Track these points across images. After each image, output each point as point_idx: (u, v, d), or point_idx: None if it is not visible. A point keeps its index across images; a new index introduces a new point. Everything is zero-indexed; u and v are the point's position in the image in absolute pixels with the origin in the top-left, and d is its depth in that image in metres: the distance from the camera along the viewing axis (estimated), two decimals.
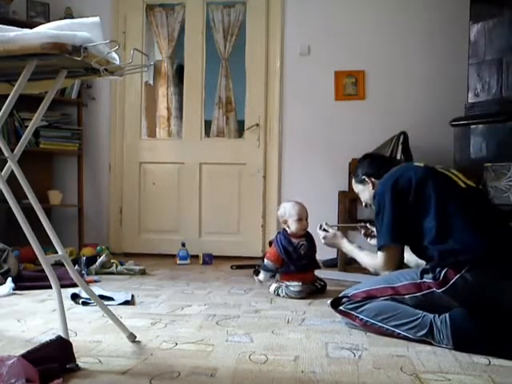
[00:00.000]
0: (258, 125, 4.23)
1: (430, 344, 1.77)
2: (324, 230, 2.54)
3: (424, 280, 1.83)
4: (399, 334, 1.84)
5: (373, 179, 2.24)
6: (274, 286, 2.73)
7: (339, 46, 4.12)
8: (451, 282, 1.76)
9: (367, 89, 4.10)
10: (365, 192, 2.31)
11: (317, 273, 2.94)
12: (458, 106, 3.54)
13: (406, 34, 4.04)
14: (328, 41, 4.13)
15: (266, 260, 2.78)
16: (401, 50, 4.06)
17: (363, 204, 2.41)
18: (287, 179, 4.20)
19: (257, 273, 3.29)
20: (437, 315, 1.79)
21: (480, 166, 3.23)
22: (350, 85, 4.11)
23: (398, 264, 2.05)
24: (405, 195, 1.96)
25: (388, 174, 2.10)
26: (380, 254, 2.05)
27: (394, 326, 1.86)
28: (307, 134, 4.17)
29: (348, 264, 3.57)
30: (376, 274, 2.19)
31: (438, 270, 1.79)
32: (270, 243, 2.83)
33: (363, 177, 2.28)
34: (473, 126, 3.36)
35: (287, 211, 2.76)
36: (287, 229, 2.76)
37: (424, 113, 3.98)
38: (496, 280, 1.76)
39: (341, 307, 2.02)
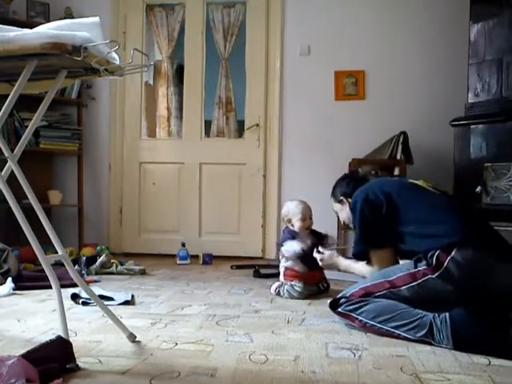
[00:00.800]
0: (258, 125, 4.23)
1: (430, 344, 1.77)
2: (319, 252, 2.56)
3: (418, 268, 1.88)
4: (399, 334, 1.84)
5: (349, 199, 2.29)
6: (275, 285, 2.73)
7: (339, 46, 4.12)
8: (444, 264, 1.82)
9: (367, 89, 4.10)
10: (343, 212, 2.39)
11: None
12: (458, 106, 3.54)
13: (406, 34, 4.05)
14: (328, 41, 4.13)
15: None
16: (401, 50, 4.06)
17: (342, 223, 2.52)
18: (287, 179, 4.20)
19: (257, 273, 3.31)
20: (436, 315, 1.79)
21: (480, 166, 3.24)
22: (350, 85, 4.11)
23: (392, 262, 2.10)
24: (378, 207, 2.06)
25: (359, 189, 2.21)
26: (372, 260, 2.16)
27: (394, 327, 1.86)
28: (307, 134, 4.17)
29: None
30: None
31: (429, 255, 1.86)
32: (278, 245, 2.82)
33: (341, 197, 2.38)
34: (473, 126, 3.36)
35: (291, 210, 2.76)
36: (291, 227, 2.76)
37: (424, 113, 3.98)
38: (485, 257, 1.82)
39: (339, 309, 2.02)
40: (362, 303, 1.95)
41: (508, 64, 3.21)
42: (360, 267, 2.31)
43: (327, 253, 2.55)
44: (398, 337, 1.84)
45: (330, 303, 2.07)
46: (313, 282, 2.68)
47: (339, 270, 2.60)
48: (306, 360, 1.60)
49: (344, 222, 2.47)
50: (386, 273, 1.99)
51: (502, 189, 3.12)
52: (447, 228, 1.92)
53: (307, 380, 1.44)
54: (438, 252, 1.84)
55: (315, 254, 2.57)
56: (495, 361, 1.61)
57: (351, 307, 1.98)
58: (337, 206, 2.44)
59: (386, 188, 2.13)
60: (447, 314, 1.77)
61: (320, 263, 2.56)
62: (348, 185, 2.37)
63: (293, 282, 2.63)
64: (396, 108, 4.04)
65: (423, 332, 1.79)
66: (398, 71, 4.05)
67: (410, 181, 2.24)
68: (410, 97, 4.04)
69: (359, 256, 2.20)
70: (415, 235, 1.99)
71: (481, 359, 1.63)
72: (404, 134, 3.66)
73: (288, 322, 2.10)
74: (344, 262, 2.48)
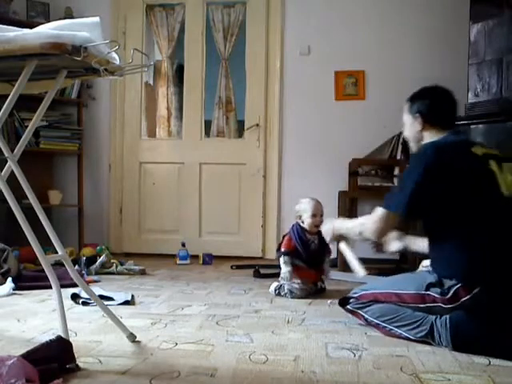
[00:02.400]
0: (258, 125, 4.23)
1: (430, 344, 1.78)
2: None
3: (429, 293, 1.81)
4: (400, 334, 1.85)
5: (424, 120, 2.02)
6: (274, 284, 2.73)
7: (339, 46, 4.12)
8: (461, 300, 1.73)
9: (367, 89, 4.10)
10: (411, 127, 2.08)
11: None
12: (457, 106, 3.53)
13: (406, 34, 4.04)
14: (328, 41, 4.13)
15: (282, 249, 2.76)
16: (401, 49, 4.06)
17: (403, 135, 2.18)
18: (287, 179, 4.20)
19: (257, 273, 3.31)
20: (438, 317, 1.79)
21: None
22: (350, 85, 4.11)
23: (386, 234, 2.02)
24: (440, 179, 1.80)
25: (441, 142, 1.91)
26: (379, 214, 1.91)
27: (396, 327, 1.88)
28: (307, 134, 4.17)
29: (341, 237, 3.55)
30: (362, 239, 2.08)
31: (446, 286, 1.76)
32: (283, 237, 2.86)
33: (417, 113, 2.04)
34: (473, 126, 3.36)
35: (302, 206, 2.80)
36: (301, 224, 2.78)
37: None
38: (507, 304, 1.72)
39: (348, 306, 2.06)
40: (370, 304, 1.99)
41: (508, 64, 3.21)
42: (355, 223, 2.13)
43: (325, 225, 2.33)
44: (399, 336, 1.85)
45: (340, 300, 2.10)
46: (310, 279, 2.71)
47: (341, 238, 2.31)
48: (306, 360, 1.60)
49: (404, 138, 2.17)
50: (397, 284, 1.95)
51: None
52: (482, 256, 1.74)
53: (307, 380, 1.44)
54: (458, 286, 1.74)
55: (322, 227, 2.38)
56: (495, 361, 1.62)
57: (359, 305, 2.02)
58: (407, 117, 2.09)
59: (463, 167, 1.82)
60: (448, 317, 1.77)
61: (327, 239, 2.32)
62: (429, 108, 2.02)
63: (293, 280, 2.65)
64: (396, 108, 4.00)
65: (424, 333, 1.80)
66: (398, 71, 4.05)
67: (491, 167, 1.85)
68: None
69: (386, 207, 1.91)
70: (453, 249, 1.80)
71: (481, 359, 1.63)
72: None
73: (288, 322, 2.10)
74: (338, 222, 2.26)
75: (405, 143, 3.64)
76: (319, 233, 2.73)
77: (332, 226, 2.24)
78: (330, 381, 1.43)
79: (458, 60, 3.73)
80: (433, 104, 2.04)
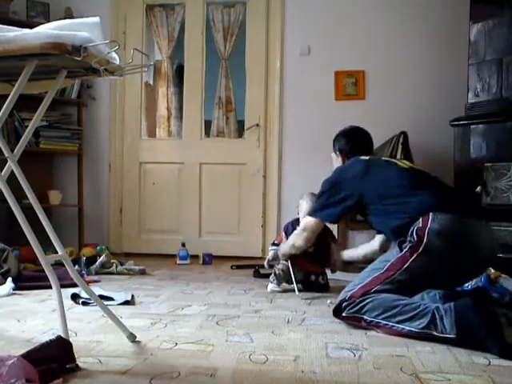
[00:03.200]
0: (258, 125, 4.23)
1: (432, 337, 1.77)
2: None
3: (404, 250, 2.00)
4: (403, 329, 1.85)
5: (344, 155, 2.60)
6: (271, 285, 2.76)
7: (339, 46, 4.12)
8: (424, 238, 1.95)
9: (367, 89, 4.10)
10: (336, 163, 2.66)
11: None
12: (458, 106, 3.54)
13: (405, 34, 4.04)
14: (328, 41, 4.13)
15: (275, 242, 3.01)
16: (401, 49, 4.06)
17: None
18: (287, 179, 4.20)
19: (257, 273, 3.31)
20: (440, 305, 1.81)
21: (480, 166, 3.24)
22: (350, 85, 4.11)
23: (315, 236, 2.50)
24: (348, 185, 2.29)
25: (340, 166, 2.54)
26: (307, 221, 2.46)
27: (397, 322, 1.87)
28: (307, 134, 4.17)
29: (348, 264, 3.57)
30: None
31: (409, 233, 2.00)
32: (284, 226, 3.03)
33: (337, 151, 2.66)
34: (473, 126, 3.36)
35: (303, 204, 2.82)
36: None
37: (424, 113, 3.98)
38: (462, 218, 1.99)
39: (343, 313, 2.02)
40: (364, 302, 1.96)
41: (508, 64, 3.21)
42: (359, 251, 2.73)
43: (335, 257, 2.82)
44: (401, 332, 1.85)
45: (334, 310, 2.06)
46: (308, 271, 2.74)
47: (346, 266, 2.87)
48: (306, 360, 1.60)
49: None
50: (376, 267, 2.08)
51: (502, 189, 3.12)
52: (418, 201, 2.06)
53: (307, 380, 1.44)
54: (415, 227, 1.98)
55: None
56: (495, 361, 1.61)
57: (354, 309, 1.98)
58: (333, 155, 2.71)
59: (359, 168, 2.32)
60: (452, 304, 1.79)
61: (331, 272, 2.86)
62: (346, 144, 2.62)
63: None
64: (396, 108, 4.04)
65: (425, 323, 1.80)
66: (398, 71, 4.05)
67: (384, 159, 2.46)
68: (410, 97, 4.04)
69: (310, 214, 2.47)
70: (381, 213, 2.19)
71: (481, 359, 1.63)
72: (404, 134, 3.66)
73: (288, 321, 2.10)
74: (345, 253, 2.82)
75: (405, 143, 3.65)
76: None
77: (338, 259, 2.84)
78: (329, 381, 1.43)
79: (458, 60, 3.74)
80: (348, 143, 2.62)
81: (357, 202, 2.26)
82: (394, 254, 2.07)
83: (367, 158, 2.41)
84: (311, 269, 2.76)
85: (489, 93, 3.31)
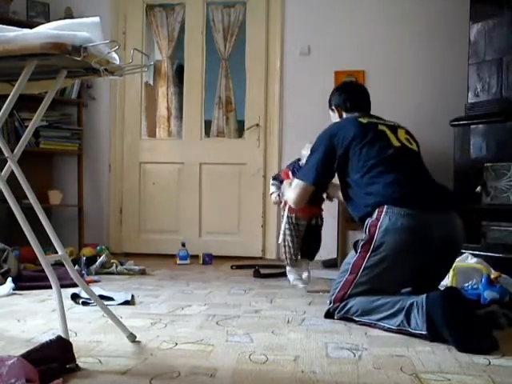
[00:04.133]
0: (258, 125, 4.23)
1: (409, 334, 1.82)
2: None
3: (360, 250, 2.01)
4: (384, 326, 1.92)
5: (340, 109, 2.55)
6: (290, 276, 2.85)
7: (339, 46, 4.12)
8: (374, 236, 1.95)
9: (367, 89, 4.09)
10: (333, 119, 2.61)
11: (317, 273, 2.96)
12: (458, 106, 3.53)
13: (405, 34, 4.05)
14: (328, 41, 4.13)
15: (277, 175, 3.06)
16: (401, 50, 4.06)
17: None
18: None
19: (257, 273, 3.30)
20: (414, 300, 1.83)
21: (480, 166, 3.24)
22: None
23: (304, 200, 2.41)
24: (335, 148, 2.25)
25: (335, 123, 2.45)
26: (297, 188, 2.38)
27: (378, 320, 1.94)
28: (307, 134, 4.14)
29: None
30: None
31: (364, 232, 2.01)
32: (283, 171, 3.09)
33: (332, 107, 2.60)
34: (473, 126, 3.36)
35: (304, 154, 2.82)
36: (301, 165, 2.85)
37: (424, 113, 3.98)
38: (412, 213, 1.93)
39: (335, 317, 2.11)
40: (347, 306, 2.06)
41: (508, 64, 3.21)
42: (287, 188, 2.62)
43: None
44: (383, 328, 1.92)
45: (325, 315, 2.15)
46: (306, 215, 2.82)
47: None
48: (306, 360, 1.60)
49: None
50: (343, 268, 2.11)
51: (502, 189, 3.12)
52: (380, 187, 2.04)
53: (307, 380, 1.44)
54: (369, 222, 1.98)
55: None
56: (495, 361, 1.61)
57: (342, 312, 2.08)
58: (330, 112, 2.66)
59: (351, 132, 2.24)
60: (424, 299, 1.81)
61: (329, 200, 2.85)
62: (341, 98, 2.56)
63: (295, 217, 2.81)
64: (396, 108, 4.03)
65: (400, 320, 1.85)
66: (398, 71, 4.05)
67: (380, 128, 2.28)
68: (410, 97, 4.04)
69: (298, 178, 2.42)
70: (356, 192, 2.17)
71: (481, 359, 1.63)
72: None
73: (288, 322, 2.10)
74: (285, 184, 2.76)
75: None
76: None
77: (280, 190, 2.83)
78: (329, 381, 1.43)
79: (458, 60, 3.73)
80: (342, 94, 2.56)
81: (342, 163, 2.23)
82: (352, 254, 2.07)
83: (365, 121, 2.32)
84: (311, 212, 2.82)
85: (489, 93, 3.31)
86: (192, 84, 4.36)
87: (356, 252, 2.03)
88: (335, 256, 3.72)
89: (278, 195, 2.87)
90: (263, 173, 4.24)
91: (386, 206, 1.96)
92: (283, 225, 2.84)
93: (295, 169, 2.86)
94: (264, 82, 4.24)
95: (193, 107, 4.36)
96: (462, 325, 1.72)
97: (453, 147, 3.51)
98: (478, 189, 3.21)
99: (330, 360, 1.61)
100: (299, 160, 2.89)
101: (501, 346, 1.72)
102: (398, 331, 1.87)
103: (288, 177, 2.86)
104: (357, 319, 2.02)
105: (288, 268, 2.87)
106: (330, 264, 3.68)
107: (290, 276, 2.86)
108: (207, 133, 4.41)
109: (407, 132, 2.38)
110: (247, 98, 4.29)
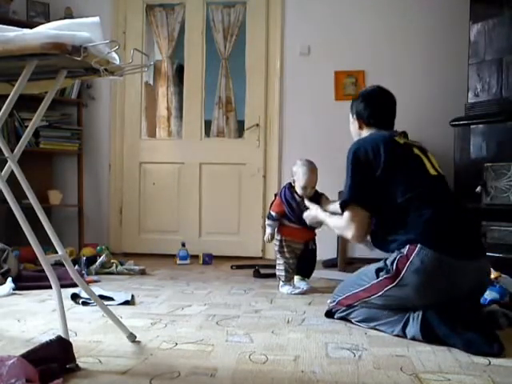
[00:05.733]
0: (258, 125, 4.23)
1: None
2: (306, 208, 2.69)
3: (380, 278, 1.93)
4: (383, 330, 1.95)
5: (361, 121, 2.29)
6: (285, 289, 2.77)
7: (339, 46, 4.12)
8: (402, 272, 1.85)
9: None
10: (352, 126, 2.39)
11: (317, 273, 2.96)
12: (458, 106, 3.54)
13: (405, 34, 4.04)
14: (328, 41, 4.13)
15: (270, 212, 2.87)
16: (401, 49, 4.06)
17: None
18: (287, 179, 4.17)
19: (257, 273, 3.31)
20: (412, 313, 1.86)
21: (480, 166, 3.24)
22: (350, 85, 4.11)
23: (364, 228, 2.07)
24: (370, 167, 2.01)
25: (362, 138, 2.19)
26: (344, 214, 2.09)
27: (376, 325, 1.97)
28: (307, 134, 4.17)
29: (348, 264, 3.58)
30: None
31: (389, 263, 1.90)
32: (275, 195, 2.95)
33: (354, 115, 2.35)
34: (473, 126, 3.36)
35: (299, 175, 2.79)
36: (293, 184, 2.82)
37: (424, 113, 3.98)
38: (444, 258, 1.83)
39: (335, 316, 2.14)
40: (350, 309, 2.07)
41: (508, 64, 3.21)
42: (331, 220, 2.33)
43: (312, 207, 2.63)
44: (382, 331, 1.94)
45: (326, 314, 2.18)
46: (301, 239, 2.80)
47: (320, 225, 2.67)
48: (306, 360, 1.60)
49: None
50: (356, 281, 2.05)
51: (502, 189, 3.12)
52: (415, 222, 1.90)
53: (307, 380, 1.44)
54: (397, 257, 1.88)
55: (304, 214, 2.66)
56: (495, 361, 1.62)
57: (342, 314, 2.11)
58: (350, 116, 2.39)
59: (387, 153, 2.01)
60: (420, 313, 1.83)
61: (306, 219, 2.66)
62: (365, 108, 2.27)
63: (289, 239, 2.78)
64: (396, 108, 4.03)
65: (397, 330, 1.88)
66: (398, 71, 4.05)
67: (416, 152, 2.09)
68: (410, 97, 4.03)
69: (342, 206, 2.10)
70: (386, 220, 2.00)
71: (481, 359, 1.63)
72: (404, 133, 3.66)
73: (288, 322, 2.10)
74: (321, 214, 2.49)
75: None
76: (314, 192, 2.82)
77: (315, 215, 2.55)
78: (329, 381, 1.43)
79: (458, 60, 3.74)
80: (367, 107, 2.27)
81: (377, 186, 1.99)
82: (371, 273, 1.97)
83: (401, 141, 2.12)
84: (308, 236, 2.82)
85: (489, 93, 3.31)
86: (192, 84, 4.36)
87: (377, 277, 1.94)
88: (335, 256, 3.72)
89: (271, 235, 2.81)
90: (263, 173, 4.24)
91: (419, 246, 1.84)
92: (277, 249, 2.83)
93: (285, 192, 2.82)
94: (264, 82, 4.24)
95: (193, 107, 4.36)
96: (463, 329, 1.74)
97: (453, 147, 3.51)
98: (478, 189, 3.21)
99: (330, 360, 1.61)
100: (290, 185, 2.83)
101: None
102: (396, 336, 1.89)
103: (280, 207, 2.80)
104: (356, 323, 2.05)
105: (281, 284, 2.81)
106: (330, 264, 3.68)
107: (284, 288, 2.78)
108: (207, 133, 4.41)
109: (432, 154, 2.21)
110: (247, 98, 4.29)
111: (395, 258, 1.89)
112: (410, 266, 1.84)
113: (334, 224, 2.26)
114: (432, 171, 2.05)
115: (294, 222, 2.78)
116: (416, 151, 2.10)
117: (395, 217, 1.96)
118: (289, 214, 2.77)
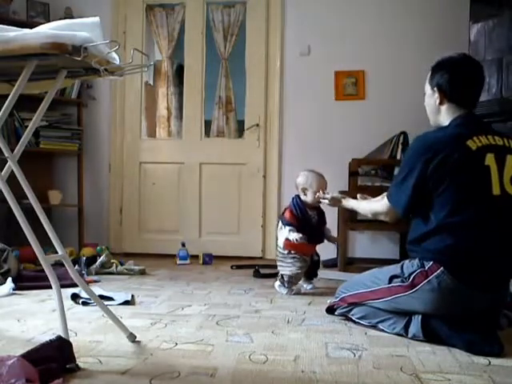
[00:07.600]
0: (258, 125, 4.23)
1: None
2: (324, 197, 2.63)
3: (392, 284, 1.91)
4: (383, 329, 1.96)
5: (443, 96, 1.95)
6: (277, 283, 2.77)
7: (339, 46, 4.12)
8: (418, 286, 1.83)
9: (367, 89, 4.10)
10: (429, 99, 2.03)
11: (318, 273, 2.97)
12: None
13: (405, 34, 4.04)
14: (328, 41, 4.13)
15: (289, 221, 2.75)
16: (401, 49, 4.06)
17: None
18: (287, 179, 4.19)
19: (257, 273, 3.31)
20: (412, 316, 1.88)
21: None
22: (350, 85, 4.11)
23: (395, 221, 2.07)
24: (427, 175, 1.81)
25: (435, 140, 1.85)
26: (386, 206, 1.99)
27: (377, 323, 1.98)
28: (307, 134, 4.17)
29: (348, 264, 3.58)
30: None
31: (406, 274, 1.87)
32: (285, 210, 2.87)
33: (435, 87, 1.97)
34: None
35: (309, 181, 2.76)
36: (302, 197, 2.78)
37: (424, 113, 3.93)
38: (463, 289, 1.78)
39: (336, 312, 2.16)
40: (352, 307, 2.08)
41: (508, 64, 3.21)
42: (366, 204, 2.25)
43: (328, 196, 2.59)
44: (382, 330, 1.96)
45: (327, 309, 2.21)
46: (309, 253, 2.79)
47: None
48: (306, 360, 1.60)
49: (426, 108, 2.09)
50: (367, 282, 2.03)
51: None
52: (449, 242, 1.78)
53: (307, 380, 1.44)
54: (418, 271, 1.83)
55: (322, 199, 2.62)
56: (495, 361, 1.62)
57: (344, 310, 2.12)
58: (427, 87, 2.03)
59: (456, 160, 1.78)
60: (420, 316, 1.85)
61: (327, 202, 2.59)
62: (448, 84, 1.92)
63: (292, 254, 2.72)
64: (396, 108, 4.04)
65: (398, 328, 1.90)
66: (398, 71, 4.05)
67: (488, 162, 1.80)
68: (410, 97, 4.02)
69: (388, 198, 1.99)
70: (426, 229, 1.85)
71: (481, 359, 1.63)
72: (404, 134, 3.66)
73: (288, 322, 2.10)
74: (352, 201, 2.41)
75: (404, 143, 3.65)
76: (318, 208, 2.80)
77: (339, 203, 2.53)
78: (329, 381, 1.43)
79: None
80: (452, 80, 1.92)
81: (427, 192, 1.82)
82: (384, 277, 1.94)
83: (474, 147, 1.80)
84: (313, 250, 2.82)
85: (489, 93, 3.31)
86: (192, 84, 4.36)
87: (389, 283, 1.91)
88: (335, 256, 3.72)
89: (299, 236, 2.68)
90: (263, 173, 4.24)
91: (442, 269, 1.77)
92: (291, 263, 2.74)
93: (296, 202, 2.77)
94: (264, 82, 4.24)
95: (193, 107, 4.36)
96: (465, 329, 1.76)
97: None
98: None
99: (330, 360, 1.61)
100: (298, 197, 2.79)
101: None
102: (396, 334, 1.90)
103: (292, 217, 2.74)
104: (356, 321, 2.06)
105: (279, 283, 2.78)
106: (330, 264, 3.68)
107: (281, 289, 2.75)
108: (207, 133, 4.41)
109: None
110: (247, 98, 4.29)
111: (414, 272, 1.83)
112: (427, 284, 1.80)
113: (371, 207, 2.16)
114: (496, 190, 1.78)
115: (304, 234, 2.69)
116: (489, 161, 1.80)
117: (432, 230, 1.83)
118: (302, 230, 2.69)
